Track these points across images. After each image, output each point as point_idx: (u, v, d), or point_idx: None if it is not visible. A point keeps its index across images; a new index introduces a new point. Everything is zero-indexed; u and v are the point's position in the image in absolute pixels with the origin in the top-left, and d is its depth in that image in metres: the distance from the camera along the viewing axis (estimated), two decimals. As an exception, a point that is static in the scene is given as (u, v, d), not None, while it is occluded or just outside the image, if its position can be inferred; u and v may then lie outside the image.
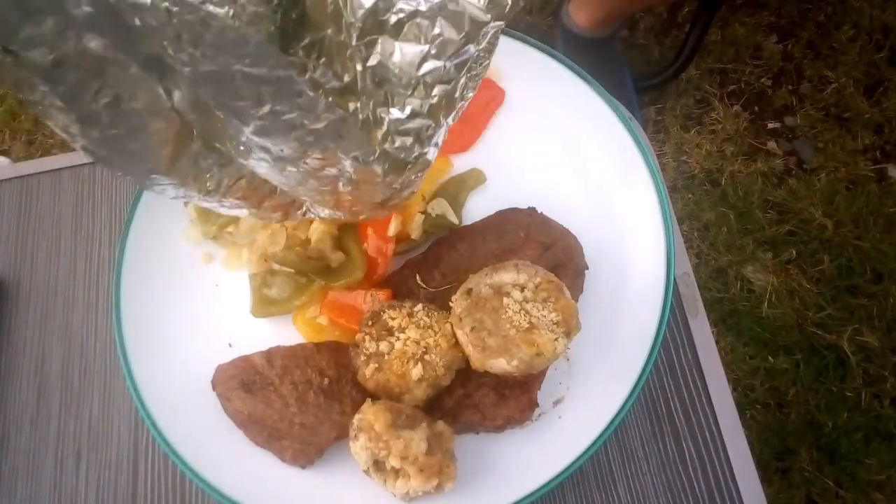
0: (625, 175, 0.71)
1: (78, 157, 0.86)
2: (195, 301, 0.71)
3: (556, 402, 0.64)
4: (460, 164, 0.74)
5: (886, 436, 1.34)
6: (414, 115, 0.48)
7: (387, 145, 0.48)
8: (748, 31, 1.77)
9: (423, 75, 0.46)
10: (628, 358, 0.63)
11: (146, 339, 0.68)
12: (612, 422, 0.61)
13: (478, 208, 0.72)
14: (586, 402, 0.63)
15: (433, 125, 0.49)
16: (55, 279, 0.79)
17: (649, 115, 1.71)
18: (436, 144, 0.51)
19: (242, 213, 0.60)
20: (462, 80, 0.49)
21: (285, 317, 0.69)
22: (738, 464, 0.65)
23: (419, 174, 0.53)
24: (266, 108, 0.43)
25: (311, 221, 0.69)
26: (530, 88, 0.76)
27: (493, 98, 0.76)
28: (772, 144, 1.66)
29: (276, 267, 0.70)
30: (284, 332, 0.68)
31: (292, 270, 0.69)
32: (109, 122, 0.45)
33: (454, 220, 0.71)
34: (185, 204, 0.74)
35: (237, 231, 0.71)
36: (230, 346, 0.69)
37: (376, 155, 0.48)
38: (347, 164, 0.48)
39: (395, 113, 0.47)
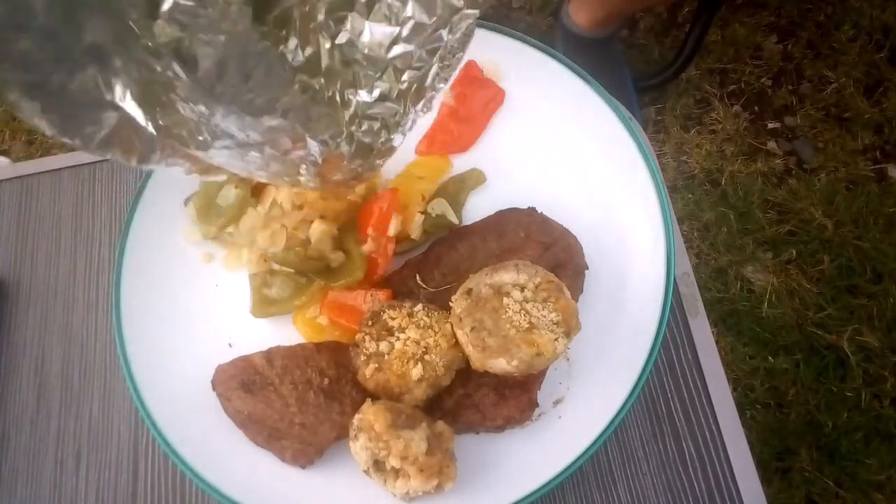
0: (625, 175, 0.71)
1: (78, 157, 0.86)
2: (195, 301, 0.71)
3: (556, 402, 0.64)
4: (460, 164, 0.74)
5: (886, 436, 1.34)
6: (382, 98, 0.47)
7: (353, 128, 0.47)
8: (748, 31, 1.77)
9: (393, 59, 0.45)
10: (628, 358, 0.63)
11: (146, 339, 0.68)
12: (612, 422, 0.61)
13: (478, 208, 0.72)
14: (586, 402, 0.63)
15: (401, 111, 0.48)
16: (55, 279, 0.79)
17: (649, 115, 1.71)
18: (402, 132, 0.50)
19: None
20: (433, 69, 0.48)
21: (285, 317, 0.69)
22: (738, 464, 0.65)
23: (383, 160, 0.52)
24: (239, 89, 0.42)
25: (280, 203, 0.69)
26: (530, 88, 0.76)
27: (493, 98, 0.76)
28: (772, 144, 1.66)
29: (276, 267, 0.70)
30: (284, 332, 0.68)
31: (292, 270, 0.69)
32: (55, 102, 0.45)
33: (454, 220, 0.71)
34: (186, 203, 0.74)
35: (237, 231, 0.71)
36: (230, 346, 0.69)
37: (343, 136, 0.47)
38: (314, 147, 0.47)
39: (363, 95, 0.46)
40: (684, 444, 0.66)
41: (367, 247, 0.68)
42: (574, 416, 0.63)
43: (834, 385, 1.39)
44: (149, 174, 0.74)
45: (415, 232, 0.69)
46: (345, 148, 0.48)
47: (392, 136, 0.50)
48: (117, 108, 0.46)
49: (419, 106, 0.50)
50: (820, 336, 1.43)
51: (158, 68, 0.42)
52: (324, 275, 0.68)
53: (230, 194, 0.72)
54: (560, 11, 1.65)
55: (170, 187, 0.74)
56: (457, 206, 0.72)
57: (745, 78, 1.73)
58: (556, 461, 0.60)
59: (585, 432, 0.61)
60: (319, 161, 0.49)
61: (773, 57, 1.75)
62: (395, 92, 0.47)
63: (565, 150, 0.74)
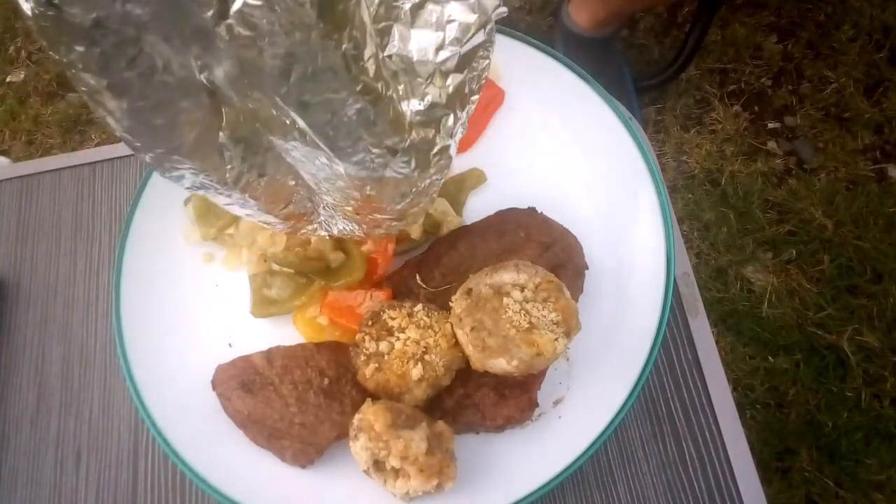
0: (625, 175, 0.71)
1: (78, 157, 0.86)
2: (195, 301, 0.71)
3: (556, 402, 0.64)
4: (460, 164, 0.74)
5: (886, 436, 1.34)
6: (433, 105, 0.47)
7: (413, 135, 0.47)
8: (748, 31, 1.77)
9: (440, 63, 0.46)
10: (628, 358, 0.63)
11: (146, 339, 0.68)
12: (612, 422, 0.61)
13: (478, 208, 0.72)
14: (586, 402, 0.63)
15: (451, 115, 0.49)
16: (55, 279, 0.80)
17: (649, 115, 1.71)
18: (454, 138, 0.51)
19: (253, 215, 0.60)
20: (470, 74, 0.49)
21: (285, 317, 0.69)
22: (738, 464, 0.65)
23: (441, 173, 0.53)
24: (304, 89, 0.42)
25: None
26: (530, 88, 0.76)
27: (493, 98, 0.76)
28: (772, 144, 1.66)
29: (276, 267, 0.70)
30: (284, 332, 0.68)
31: (292, 271, 0.69)
32: (139, 93, 0.44)
33: (455, 220, 0.71)
34: (186, 203, 0.74)
35: (237, 232, 0.71)
36: (230, 346, 0.69)
37: (406, 144, 0.47)
38: (377, 156, 0.48)
39: (415, 104, 0.47)
40: (684, 445, 0.66)
41: (367, 247, 0.68)
42: (574, 416, 0.63)
43: (834, 385, 1.39)
44: (149, 174, 0.74)
45: (415, 232, 0.69)
46: (406, 156, 0.48)
47: (448, 143, 0.50)
48: (208, 89, 0.46)
49: (464, 112, 0.51)
50: (820, 336, 1.43)
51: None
52: (324, 275, 0.68)
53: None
54: (560, 11, 1.65)
55: (170, 187, 0.74)
56: (457, 205, 0.72)
57: (745, 78, 1.73)
58: (556, 461, 0.60)
59: (585, 432, 0.61)
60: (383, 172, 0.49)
61: (773, 57, 1.75)
62: (444, 97, 0.48)
63: (565, 150, 0.74)
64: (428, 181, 0.53)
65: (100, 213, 0.83)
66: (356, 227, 0.60)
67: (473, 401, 0.62)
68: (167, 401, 0.65)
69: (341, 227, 0.61)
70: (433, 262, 0.68)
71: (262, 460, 0.63)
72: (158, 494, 0.69)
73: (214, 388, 0.64)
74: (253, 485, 0.62)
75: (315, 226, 0.62)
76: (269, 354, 0.64)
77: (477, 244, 0.67)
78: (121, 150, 0.86)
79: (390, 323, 0.61)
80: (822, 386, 1.39)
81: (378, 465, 0.57)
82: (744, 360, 1.42)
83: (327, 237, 0.65)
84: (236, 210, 0.59)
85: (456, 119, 0.50)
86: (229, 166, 0.51)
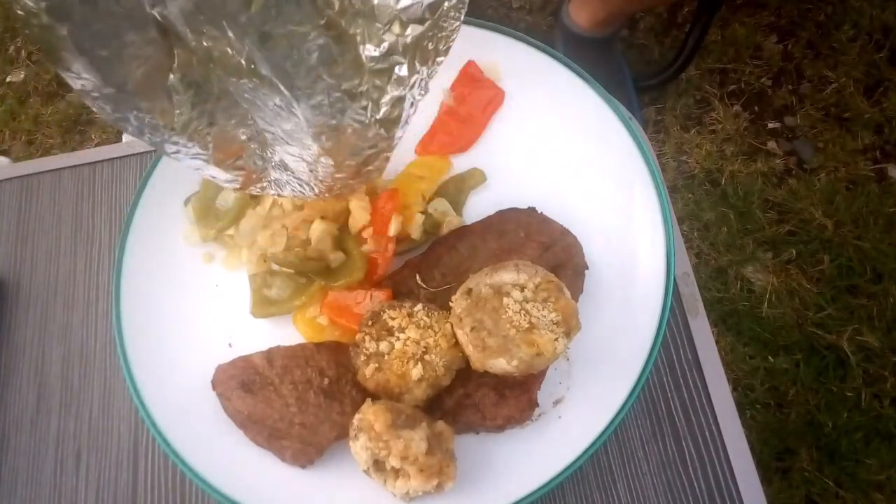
0: (625, 175, 0.71)
1: (78, 157, 0.86)
2: (195, 301, 0.71)
3: (556, 402, 0.64)
4: (460, 164, 0.74)
5: (886, 436, 1.34)
6: (389, 52, 0.46)
7: (369, 81, 0.46)
8: (748, 31, 1.77)
9: (402, 10, 0.45)
10: (628, 358, 0.63)
11: (146, 339, 0.68)
12: (612, 422, 0.61)
13: (478, 208, 0.72)
14: (586, 402, 0.63)
15: (405, 66, 0.47)
16: (55, 279, 0.80)
17: (649, 115, 1.71)
18: (411, 92, 0.49)
19: (201, 167, 0.57)
20: (434, 31, 0.47)
21: (285, 317, 0.69)
22: (738, 464, 0.65)
23: (396, 127, 0.51)
24: (265, 18, 0.41)
25: (280, 204, 0.68)
26: (530, 88, 0.76)
27: (493, 98, 0.76)
28: (772, 144, 1.66)
29: (276, 267, 0.70)
30: (284, 332, 0.68)
31: (292, 271, 0.69)
32: (81, 19, 0.42)
33: (455, 220, 0.71)
34: (186, 204, 0.74)
35: (237, 233, 0.71)
36: (230, 346, 0.69)
37: (364, 88, 0.46)
38: (336, 100, 0.46)
39: (371, 50, 0.45)
40: (684, 444, 0.66)
41: (367, 247, 0.68)
42: (574, 416, 0.63)
43: (834, 385, 1.39)
44: (149, 174, 0.74)
45: (415, 232, 0.69)
46: (364, 100, 0.46)
47: (402, 94, 0.48)
48: (160, 25, 0.43)
49: (425, 70, 0.49)
50: (820, 336, 1.43)
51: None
52: (324, 275, 0.68)
53: (229, 197, 0.72)
54: (560, 11, 1.65)
55: (170, 187, 0.74)
56: (457, 206, 0.72)
57: (745, 78, 1.73)
58: (556, 461, 0.60)
59: (585, 432, 0.61)
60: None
61: (773, 57, 1.75)
62: (401, 46, 0.46)
63: (565, 150, 0.74)
64: (383, 133, 0.51)
65: (100, 213, 0.83)
66: (307, 189, 0.58)
67: (473, 401, 0.62)
68: (167, 401, 0.65)
69: (293, 188, 0.59)
70: (433, 262, 0.68)
71: (262, 460, 0.63)
72: (158, 494, 0.69)
73: (214, 388, 0.64)
74: (253, 485, 0.62)
75: (265, 184, 0.60)
76: (269, 354, 0.64)
77: (477, 244, 0.67)
78: (121, 150, 0.86)
79: (390, 323, 0.61)
80: (822, 386, 1.39)
81: (378, 465, 0.57)
82: (744, 360, 1.42)
83: (275, 196, 0.64)
84: (184, 161, 0.57)
85: (413, 71, 0.48)
86: (178, 111, 0.49)
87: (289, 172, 0.57)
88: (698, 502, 0.64)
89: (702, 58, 1.73)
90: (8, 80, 1.98)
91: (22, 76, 1.98)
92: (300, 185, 0.58)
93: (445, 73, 0.75)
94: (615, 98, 0.74)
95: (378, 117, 0.48)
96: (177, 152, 0.55)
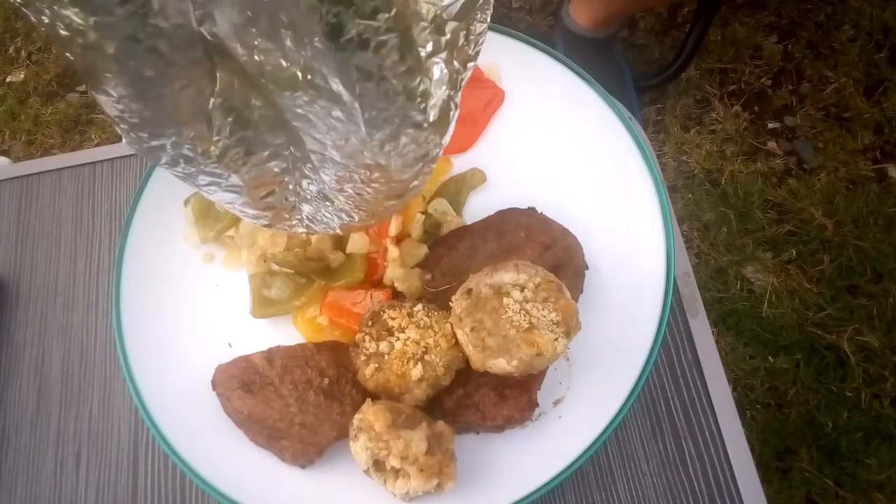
0: (625, 175, 0.71)
1: (78, 157, 0.86)
2: (195, 301, 0.71)
3: (556, 402, 0.64)
4: (460, 164, 0.74)
5: (886, 436, 1.34)
6: (435, 51, 0.43)
7: (427, 81, 0.43)
8: (748, 31, 1.77)
9: (443, 8, 0.42)
10: (628, 358, 0.63)
11: (146, 339, 0.68)
12: (612, 422, 0.61)
13: (478, 208, 0.72)
14: (586, 402, 0.63)
15: (449, 64, 0.44)
16: (55, 279, 0.80)
17: (649, 115, 1.71)
18: (456, 97, 0.46)
19: (233, 201, 0.56)
20: (467, 26, 0.45)
21: (285, 317, 0.69)
22: (738, 464, 0.65)
23: (446, 133, 0.48)
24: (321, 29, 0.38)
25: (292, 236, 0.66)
26: (530, 88, 0.76)
27: (493, 98, 0.76)
28: (772, 144, 1.66)
29: (276, 267, 0.70)
30: (284, 332, 0.68)
31: (292, 271, 0.69)
32: (130, 35, 0.40)
33: (455, 220, 0.71)
34: (186, 204, 0.74)
35: (237, 234, 0.71)
36: (230, 346, 0.69)
37: (423, 88, 0.43)
38: (399, 107, 0.44)
39: (422, 48, 0.42)
40: (684, 444, 0.66)
41: (366, 246, 0.68)
42: (574, 416, 0.63)
43: (834, 385, 1.39)
44: (149, 174, 0.74)
45: (415, 232, 0.69)
46: (420, 107, 0.43)
47: (453, 93, 0.45)
48: (207, 44, 0.41)
49: (466, 70, 0.47)
50: (820, 336, 1.43)
51: None
52: (324, 275, 0.68)
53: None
54: (560, 11, 1.65)
55: (170, 187, 0.74)
56: (457, 205, 0.72)
57: (745, 78, 1.73)
58: (556, 461, 0.60)
59: (585, 432, 0.61)
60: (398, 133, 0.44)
61: (773, 57, 1.75)
62: (444, 44, 0.43)
63: (565, 150, 0.74)
64: (436, 138, 0.49)
65: (100, 213, 0.83)
66: (346, 217, 0.56)
67: (473, 401, 0.62)
68: (167, 401, 0.65)
69: (327, 223, 0.57)
70: (433, 262, 0.68)
71: (262, 460, 0.63)
72: (158, 495, 0.69)
73: (214, 388, 0.64)
74: (253, 485, 0.62)
75: (294, 222, 0.59)
76: (269, 354, 0.64)
77: (477, 244, 0.67)
78: (121, 150, 0.86)
79: (390, 323, 0.61)
80: (822, 386, 1.39)
81: (378, 465, 0.57)
82: (744, 360, 1.42)
83: (304, 235, 0.62)
84: (216, 195, 0.55)
85: (454, 71, 0.45)
86: (216, 137, 0.48)
87: (327, 203, 0.56)
88: (698, 502, 0.64)
89: (702, 58, 1.73)
90: (8, 80, 1.98)
91: (22, 76, 1.98)
92: (337, 215, 0.56)
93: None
94: (615, 98, 0.74)
95: (431, 120, 0.46)
96: (210, 184, 0.53)
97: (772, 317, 1.45)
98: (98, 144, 1.82)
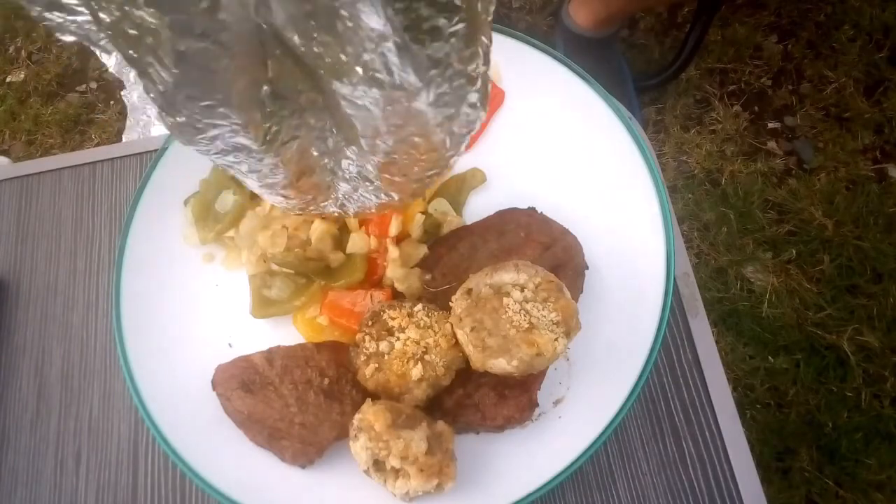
0: (625, 175, 0.71)
1: (78, 157, 0.86)
2: (195, 301, 0.71)
3: (556, 402, 0.64)
4: (460, 164, 0.74)
5: (886, 436, 1.34)
6: (487, 34, 0.44)
7: (480, 61, 0.44)
8: (748, 31, 1.77)
9: None
10: (628, 358, 0.63)
11: (146, 339, 0.68)
12: (612, 422, 0.61)
13: (478, 208, 0.72)
14: (586, 402, 0.63)
15: (484, 42, 0.45)
16: (55, 279, 0.80)
17: (649, 115, 1.71)
18: (488, 69, 0.48)
19: (275, 185, 0.56)
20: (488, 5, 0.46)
21: (285, 317, 0.69)
22: (738, 464, 0.65)
23: (486, 107, 0.50)
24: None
25: (315, 220, 0.68)
26: (530, 88, 0.76)
27: (493, 98, 0.76)
28: (772, 144, 1.66)
29: (276, 267, 0.70)
30: (284, 332, 0.68)
31: (292, 271, 0.69)
32: (202, 32, 0.40)
33: (455, 220, 0.71)
34: (185, 204, 0.74)
35: (238, 235, 0.71)
36: (230, 346, 0.69)
37: (480, 70, 0.44)
38: (458, 87, 0.45)
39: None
40: (684, 444, 0.66)
41: (365, 245, 0.68)
42: (574, 416, 0.63)
43: (834, 385, 1.39)
44: (149, 174, 0.74)
45: (415, 232, 0.69)
46: (475, 89, 0.45)
47: (486, 71, 0.47)
48: (262, 33, 0.41)
49: (488, 39, 0.47)
50: (820, 336, 1.43)
51: None
52: (324, 275, 0.68)
53: (228, 200, 0.72)
54: (560, 11, 1.65)
55: (170, 187, 0.74)
56: (457, 206, 0.72)
57: (745, 78, 1.73)
58: (556, 461, 0.60)
59: (585, 432, 0.61)
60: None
61: (773, 57, 1.75)
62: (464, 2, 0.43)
63: (565, 150, 0.74)
64: (480, 117, 0.51)
65: (100, 213, 0.83)
66: (382, 197, 0.57)
67: (473, 401, 0.62)
68: (167, 401, 0.65)
69: (362, 202, 0.58)
70: (433, 262, 0.68)
71: (262, 460, 0.63)
72: (158, 495, 0.69)
73: (214, 388, 0.64)
74: (253, 485, 0.62)
75: (328, 202, 0.60)
76: (269, 354, 0.64)
77: (477, 244, 0.67)
78: (121, 150, 0.86)
79: (390, 323, 0.61)
80: (822, 386, 1.39)
81: (378, 465, 0.57)
82: (744, 360, 1.42)
83: (336, 214, 0.63)
84: (255, 184, 0.56)
85: (485, 49, 0.47)
86: (267, 124, 0.49)
87: (367, 183, 0.57)
88: (698, 502, 0.64)
89: (702, 58, 1.73)
90: (8, 80, 1.98)
91: (22, 76, 1.98)
92: (376, 195, 0.57)
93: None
94: (615, 98, 0.74)
95: (482, 99, 0.48)
96: (254, 171, 0.54)
97: (772, 317, 1.45)
98: (98, 144, 1.82)
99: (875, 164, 1.62)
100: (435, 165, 0.54)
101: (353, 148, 0.54)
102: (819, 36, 1.76)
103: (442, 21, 0.40)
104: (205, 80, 0.44)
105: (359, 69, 0.43)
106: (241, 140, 0.50)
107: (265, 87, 0.46)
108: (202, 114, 0.47)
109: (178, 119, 0.47)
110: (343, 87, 0.46)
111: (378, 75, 0.43)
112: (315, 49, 0.43)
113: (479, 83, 0.46)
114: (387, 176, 0.55)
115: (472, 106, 0.48)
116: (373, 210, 0.60)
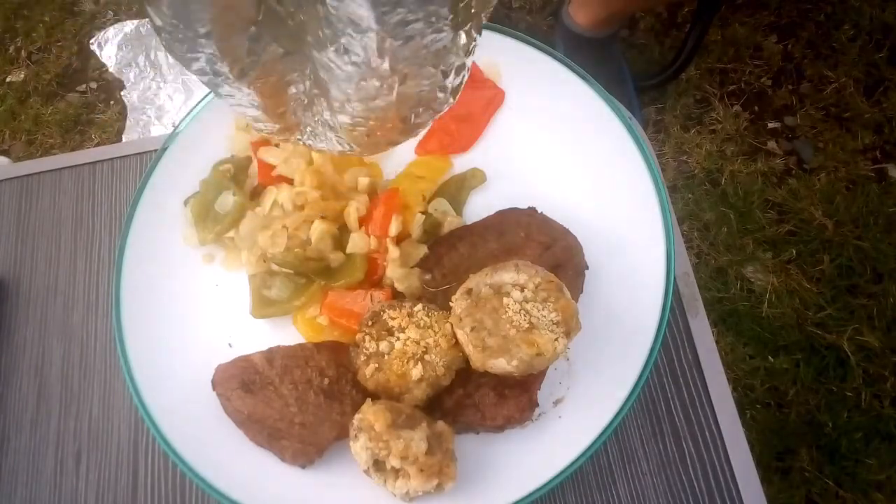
0: (625, 175, 0.71)
1: (78, 157, 0.86)
2: (195, 301, 0.71)
3: (556, 402, 0.64)
4: (460, 164, 0.74)
5: (886, 436, 1.34)
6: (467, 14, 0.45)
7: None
8: (748, 31, 1.77)
9: None
10: (628, 358, 0.63)
11: (146, 339, 0.68)
12: (612, 422, 0.61)
13: (478, 208, 0.72)
14: (586, 402, 0.63)
15: (469, 31, 0.47)
16: (55, 279, 0.80)
17: (649, 115, 1.71)
18: (471, 56, 0.49)
19: (247, 110, 0.58)
20: None
21: (285, 317, 0.69)
22: (738, 464, 0.65)
23: (454, 91, 0.51)
24: None
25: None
26: (530, 88, 0.76)
27: (493, 98, 0.76)
28: (772, 144, 1.66)
29: (276, 268, 0.70)
30: (284, 332, 0.68)
31: (292, 271, 0.69)
32: None
33: (455, 220, 0.71)
34: (185, 204, 0.74)
35: (238, 235, 0.71)
36: (230, 346, 0.69)
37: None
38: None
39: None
40: (684, 444, 0.66)
41: (365, 245, 0.68)
42: (574, 416, 0.63)
43: (834, 385, 1.39)
44: (149, 174, 0.74)
45: (415, 232, 0.69)
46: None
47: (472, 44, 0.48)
48: None
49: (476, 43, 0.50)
50: (820, 336, 1.43)
51: None
52: (324, 275, 0.68)
53: (228, 201, 0.72)
54: (560, 11, 1.65)
55: (170, 187, 0.74)
56: (457, 206, 0.72)
57: (745, 78, 1.73)
58: (556, 461, 0.60)
59: (585, 432, 0.61)
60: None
61: (773, 57, 1.75)
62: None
63: (565, 150, 0.74)
64: (449, 102, 0.52)
65: (100, 213, 0.83)
66: (344, 146, 0.59)
67: (473, 401, 0.62)
68: (167, 401, 0.65)
69: (325, 145, 0.60)
70: (433, 262, 0.68)
71: (262, 460, 0.63)
72: (158, 495, 0.69)
73: (214, 388, 0.64)
74: (253, 485, 0.62)
75: (297, 136, 0.62)
76: (269, 354, 0.64)
77: (477, 244, 0.67)
78: (121, 150, 0.86)
79: (390, 323, 0.61)
80: (822, 386, 1.39)
81: (378, 465, 0.57)
82: (744, 360, 1.42)
83: (308, 145, 0.64)
84: (235, 105, 0.58)
85: (471, 39, 0.48)
86: (248, 60, 0.51)
87: (330, 133, 0.59)
88: (698, 502, 0.64)
89: (702, 58, 1.73)
90: (8, 80, 1.98)
91: (22, 76, 1.98)
92: (339, 143, 0.59)
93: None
94: (615, 98, 0.74)
95: (455, 86, 0.49)
96: (229, 95, 0.57)
97: (772, 317, 1.45)
98: (98, 144, 1.82)
99: (875, 164, 1.61)
100: (401, 134, 0.56)
101: (324, 102, 0.56)
102: (819, 36, 1.76)
103: (430, 33, 0.42)
104: (189, 11, 0.46)
105: (333, 48, 0.45)
106: (219, 68, 0.52)
107: (252, 28, 0.48)
108: (190, 38, 0.49)
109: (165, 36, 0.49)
110: (320, 56, 0.48)
111: (354, 58, 0.45)
112: (301, 17, 0.45)
113: (454, 74, 0.48)
114: (352, 132, 0.56)
115: (443, 89, 0.50)
116: (335, 154, 0.61)
